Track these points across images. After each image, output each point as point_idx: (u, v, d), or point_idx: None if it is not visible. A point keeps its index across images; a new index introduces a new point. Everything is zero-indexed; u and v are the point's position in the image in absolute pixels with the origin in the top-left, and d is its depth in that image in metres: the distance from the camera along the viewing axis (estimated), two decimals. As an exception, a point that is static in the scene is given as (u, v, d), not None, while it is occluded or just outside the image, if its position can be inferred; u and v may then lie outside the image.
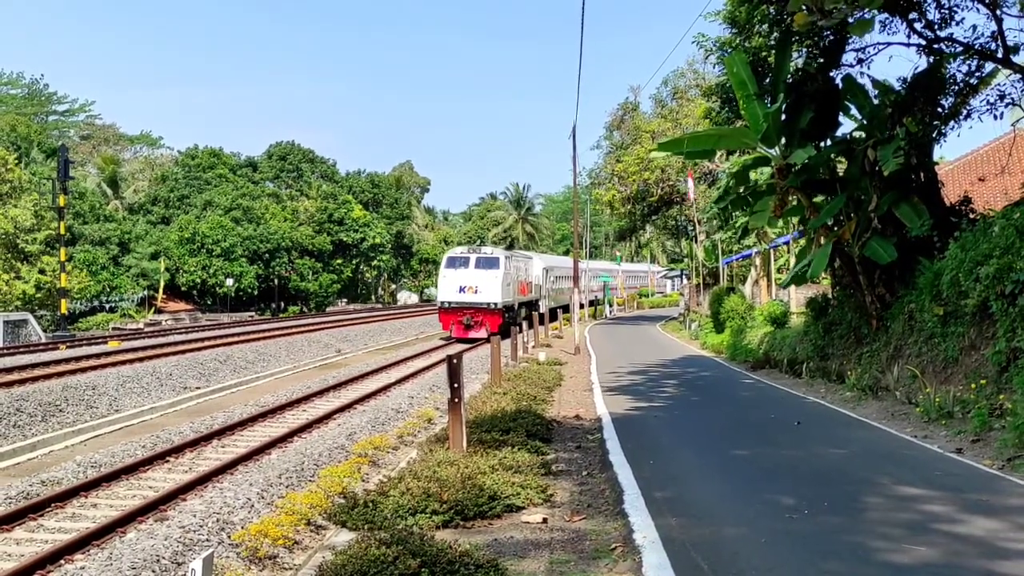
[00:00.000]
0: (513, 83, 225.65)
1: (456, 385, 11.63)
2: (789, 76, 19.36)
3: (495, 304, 38.36)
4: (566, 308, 51.87)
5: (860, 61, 20.51)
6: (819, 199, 20.02)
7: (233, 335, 38.04)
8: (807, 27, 15.70)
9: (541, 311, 46.35)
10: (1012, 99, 18.75)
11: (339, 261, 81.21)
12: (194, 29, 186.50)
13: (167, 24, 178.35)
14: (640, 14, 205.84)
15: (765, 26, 19.72)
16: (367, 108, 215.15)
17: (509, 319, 38.93)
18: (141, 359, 26.89)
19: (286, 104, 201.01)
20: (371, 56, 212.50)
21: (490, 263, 39.46)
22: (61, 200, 41.94)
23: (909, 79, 18.71)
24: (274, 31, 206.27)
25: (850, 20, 15.24)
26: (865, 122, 18.87)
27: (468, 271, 39.15)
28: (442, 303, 39.50)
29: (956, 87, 19.23)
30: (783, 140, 18.93)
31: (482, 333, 37.35)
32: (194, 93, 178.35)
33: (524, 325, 34.54)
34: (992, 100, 19.05)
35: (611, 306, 68.18)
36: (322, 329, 43.47)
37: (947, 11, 18.91)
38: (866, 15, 15.01)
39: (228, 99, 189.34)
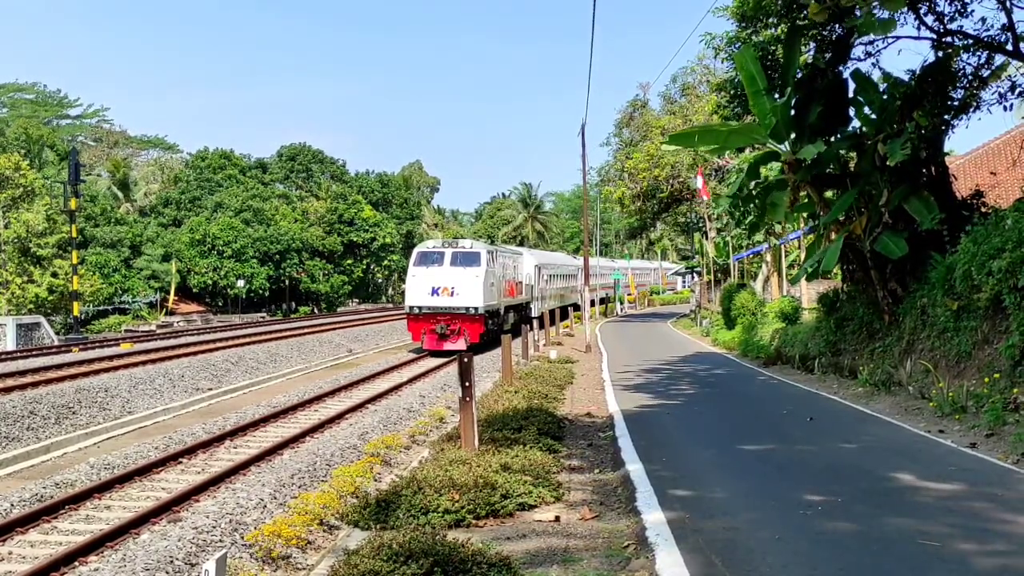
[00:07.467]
0: (522, 82, 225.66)
1: (467, 384, 11.62)
2: (798, 71, 19.28)
3: (475, 309, 32.26)
4: (565, 312, 50.42)
5: (869, 55, 20.48)
6: (829, 194, 19.94)
7: (245, 336, 38.17)
8: (823, 18, 15.60)
9: (533, 315, 40.81)
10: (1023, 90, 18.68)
11: (349, 261, 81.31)
12: (202, 32, 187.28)
13: (175, 28, 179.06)
14: (650, 11, 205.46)
15: (773, 19, 19.66)
16: (375, 109, 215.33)
17: (493, 327, 33.85)
18: (153, 361, 27.02)
19: (295, 106, 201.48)
20: (379, 57, 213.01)
21: (469, 259, 33.07)
22: (72, 203, 42.19)
23: (918, 72, 18.61)
24: (282, 33, 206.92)
25: (859, 14, 15.17)
26: (874, 116, 18.78)
27: (442, 269, 32.93)
28: (411, 308, 32.90)
29: (966, 80, 19.14)
30: (792, 135, 18.85)
31: (460, 344, 31.11)
32: (204, 96, 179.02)
33: (525, 328, 29.45)
34: (1003, 92, 18.98)
35: (622, 303, 68.04)
36: (333, 329, 43.57)
37: (958, 3, 18.83)
38: (884, 15, 14.91)
39: (236, 101, 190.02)
